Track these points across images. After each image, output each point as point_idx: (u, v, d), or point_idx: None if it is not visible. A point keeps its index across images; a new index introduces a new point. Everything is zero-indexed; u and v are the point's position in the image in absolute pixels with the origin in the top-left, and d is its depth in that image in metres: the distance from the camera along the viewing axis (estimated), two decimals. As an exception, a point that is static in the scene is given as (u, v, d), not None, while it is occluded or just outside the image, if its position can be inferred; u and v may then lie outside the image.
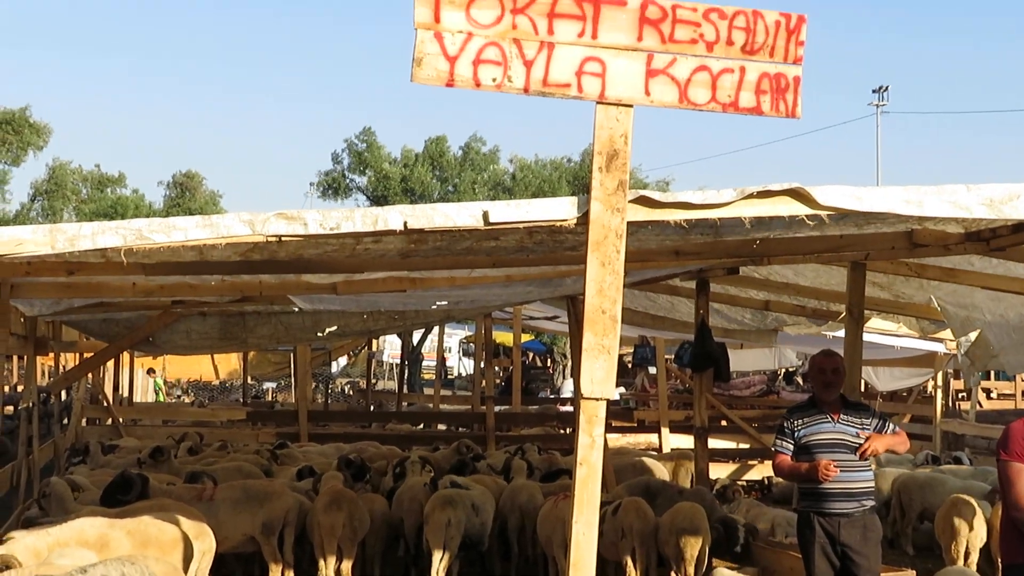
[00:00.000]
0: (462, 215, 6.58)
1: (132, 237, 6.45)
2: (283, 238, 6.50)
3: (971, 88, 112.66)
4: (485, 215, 6.58)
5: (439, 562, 10.78)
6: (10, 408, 16.82)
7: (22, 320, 12.44)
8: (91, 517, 9.40)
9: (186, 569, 9.19)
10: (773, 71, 6.77)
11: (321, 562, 10.82)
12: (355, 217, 6.53)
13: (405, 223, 6.54)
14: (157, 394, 29.05)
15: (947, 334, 15.00)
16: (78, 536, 8.81)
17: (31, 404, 14.01)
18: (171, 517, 9.50)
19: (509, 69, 6.55)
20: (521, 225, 6.68)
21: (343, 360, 39.38)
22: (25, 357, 13.94)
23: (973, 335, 14.27)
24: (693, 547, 10.50)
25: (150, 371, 28.97)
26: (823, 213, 6.73)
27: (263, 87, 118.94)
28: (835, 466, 8.05)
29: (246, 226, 6.46)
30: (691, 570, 10.45)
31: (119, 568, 6.99)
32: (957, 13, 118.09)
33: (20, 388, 18.63)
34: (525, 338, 29.86)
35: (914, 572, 9.34)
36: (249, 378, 33.19)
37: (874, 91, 63.16)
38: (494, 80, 6.55)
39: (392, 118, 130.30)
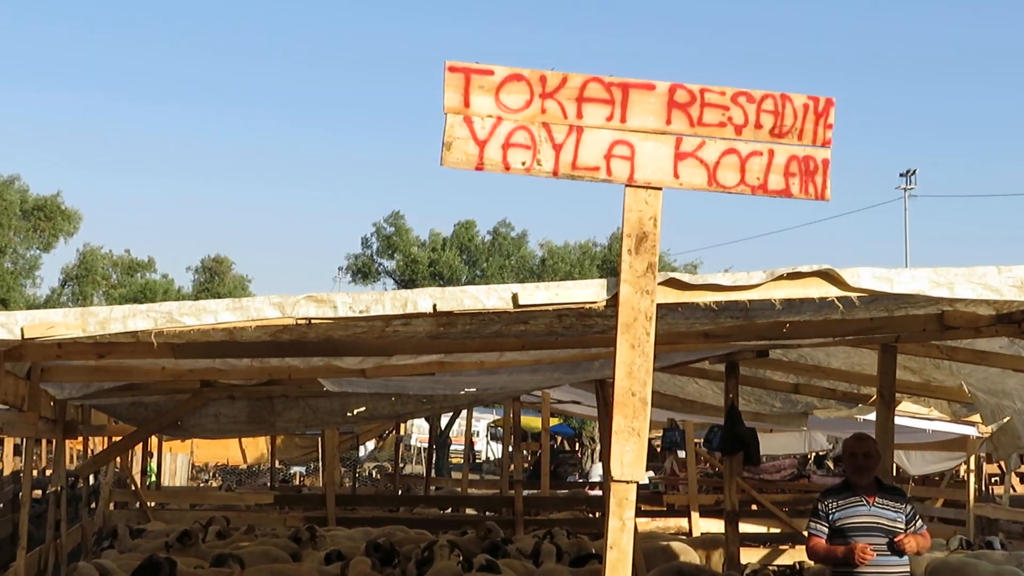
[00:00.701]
0: (491, 298, 6.55)
1: (163, 320, 6.45)
2: (313, 320, 6.49)
3: (1000, 170, 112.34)
4: (514, 298, 6.54)
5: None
6: (38, 492, 16.74)
7: (51, 404, 12.44)
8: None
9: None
10: (802, 154, 6.74)
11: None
12: (384, 300, 6.52)
13: (435, 306, 6.52)
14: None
15: (978, 418, 14.83)
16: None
17: (59, 488, 14.00)
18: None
19: (538, 153, 6.56)
20: (551, 307, 6.65)
21: (371, 444, 39.26)
22: (54, 441, 13.94)
23: (1004, 421, 14.13)
24: (727, 636, 10.39)
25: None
26: (853, 295, 6.68)
27: (292, 172, 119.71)
28: (872, 550, 7.97)
29: (276, 309, 6.45)
30: (726, 661, 10.34)
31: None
32: (983, 94, 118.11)
33: (48, 472, 18.59)
34: (553, 422, 29.77)
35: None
36: (277, 462, 33.12)
37: (901, 175, 63.17)
38: (523, 164, 6.54)
39: (421, 202, 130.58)
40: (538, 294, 6.62)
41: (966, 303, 8.22)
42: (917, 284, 6.79)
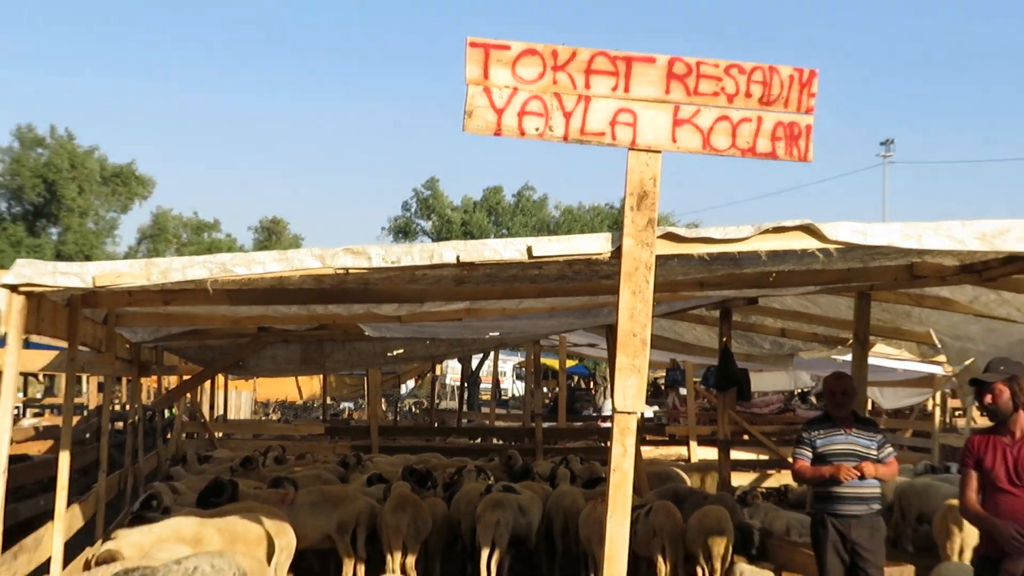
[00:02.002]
0: (508, 250, 6.53)
1: (217, 270, 6.44)
2: (350, 270, 6.48)
3: (974, 138, 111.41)
4: (529, 250, 6.53)
5: (487, 557, 10.72)
6: (119, 424, 16.85)
7: (127, 346, 12.49)
8: (187, 517, 9.41)
9: (269, 563, 9.16)
10: (787, 120, 6.70)
11: (388, 558, 10.77)
12: (413, 252, 6.51)
13: (458, 257, 6.51)
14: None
15: (943, 358, 14.78)
16: (175, 533, 8.82)
17: (136, 420, 14.09)
18: (256, 517, 9.50)
19: (550, 119, 6.52)
20: (563, 258, 6.63)
21: (411, 383, 39.36)
22: (131, 378, 14.02)
23: (967, 362, 14.10)
24: (719, 546, 10.41)
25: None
26: (832, 247, 6.64)
27: (341, 141, 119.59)
28: (850, 469, 8.01)
29: (317, 260, 6.44)
30: (717, 565, 10.36)
31: (209, 561, 6.97)
32: (960, 67, 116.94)
33: (127, 406, 18.69)
34: (570, 363, 29.77)
35: (914, 568, 9.19)
36: (328, 398, 33.27)
37: (881, 143, 62.61)
38: (537, 129, 6.51)
39: (455, 168, 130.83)
40: (550, 246, 6.60)
41: (933, 254, 8.15)
42: (889, 236, 6.74)
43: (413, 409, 38.59)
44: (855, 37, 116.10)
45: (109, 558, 8.09)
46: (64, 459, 8.26)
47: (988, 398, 6.51)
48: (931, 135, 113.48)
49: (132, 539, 8.61)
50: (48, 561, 8.20)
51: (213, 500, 11.25)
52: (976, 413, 24.25)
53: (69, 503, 8.76)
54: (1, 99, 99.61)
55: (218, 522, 9.21)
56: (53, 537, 8.21)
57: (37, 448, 16.05)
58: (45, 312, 7.66)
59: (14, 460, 14.24)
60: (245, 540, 9.04)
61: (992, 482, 6.46)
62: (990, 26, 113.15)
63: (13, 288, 6.39)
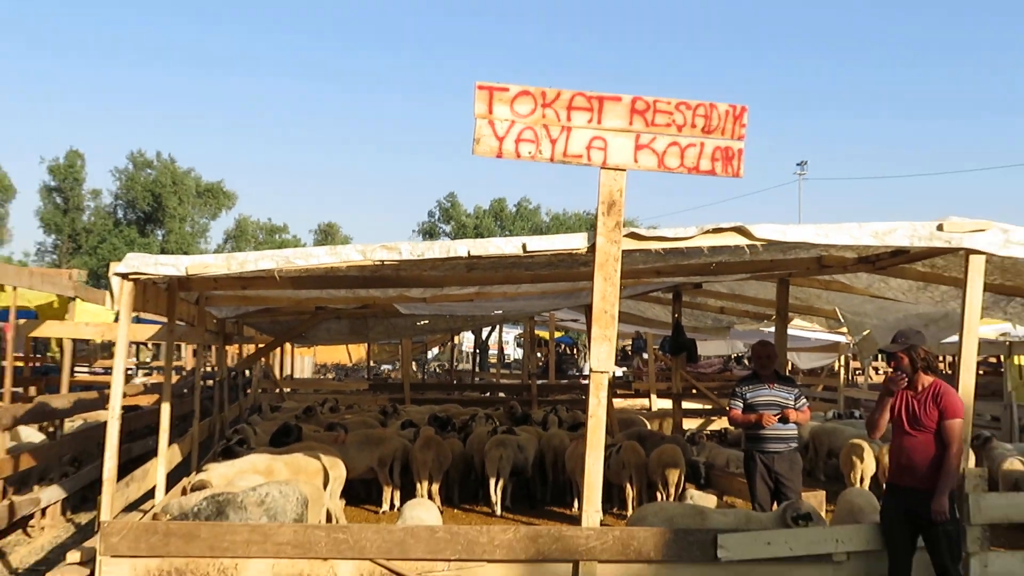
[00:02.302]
0: (508, 246, 6.52)
1: (282, 262, 6.44)
2: (385, 262, 6.46)
3: (872, 159, 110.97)
4: (523, 246, 6.53)
5: (494, 485, 10.72)
6: (210, 382, 16.84)
7: (215, 321, 12.48)
8: (261, 454, 9.41)
9: (325, 490, 9.16)
10: (724, 145, 6.69)
11: (418, 485, 10.76)
12: (434, 247, 6.51)
13: (469, 251, 6.50)
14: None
15: (846, 330, 14.78)
16: (252, 466, 8.81)
17: (222, 378, 14.07)
18: (315, 454, 9.50)
19: (540, 145, 6.52)
20: (548, 252, 6.62)
21: (435, 350, 39.38)
22: (217, 347, 14.01)
23: (864, 334, 14.11)
24: (673, 475, 10.41)
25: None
26: (758, 243, 6.63)
27: (382, 162, 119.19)
28: (772, 416, 8.03)
29: (359, 254, 6.43)
30: (672, 491, 10.37)
31: (278, 488, 6.96)
32: (861, 102, 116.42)
33: (215, 368, 18.68)
34: (558, 334, 29.69)
35: (824, 492, 9.17)
36: (371, 362, 33.30)
37: (797, 164, 62.26)
38: (530, 152, 6.51)
39: (469, 184, 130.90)
40: (541, 243, 6.59)
41: (837, 248, 8.14)
42: (803, 234, 6.74)
43: (437, 370, 38.67)
44: (779, 78, 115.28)
45: (200, 486, 8.08)
46: (165, 409, 8.27)
47: (894, 364, 6.51)
48: (836, 158, 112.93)
49: (219, 471, 8.61)
50: (153, 489, 8.21)
51: (283, 440, 11.26)
52: (872, 372, 24.34)
53: (169, 443, 8.76)
54: (118, 130, 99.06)
55: (285, 458, 9.21)
56: (157, 470, 8.22)
57: (146, 400, 16.00)
58: (150, 295, 7.66)
59: (127, 410, 14.29)
60: (306, 472, 9.03)
61: (899, 425, 6.43)
62: (887, 68, 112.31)
63: (124, 276, 6.39)
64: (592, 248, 6.58)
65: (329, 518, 9.15)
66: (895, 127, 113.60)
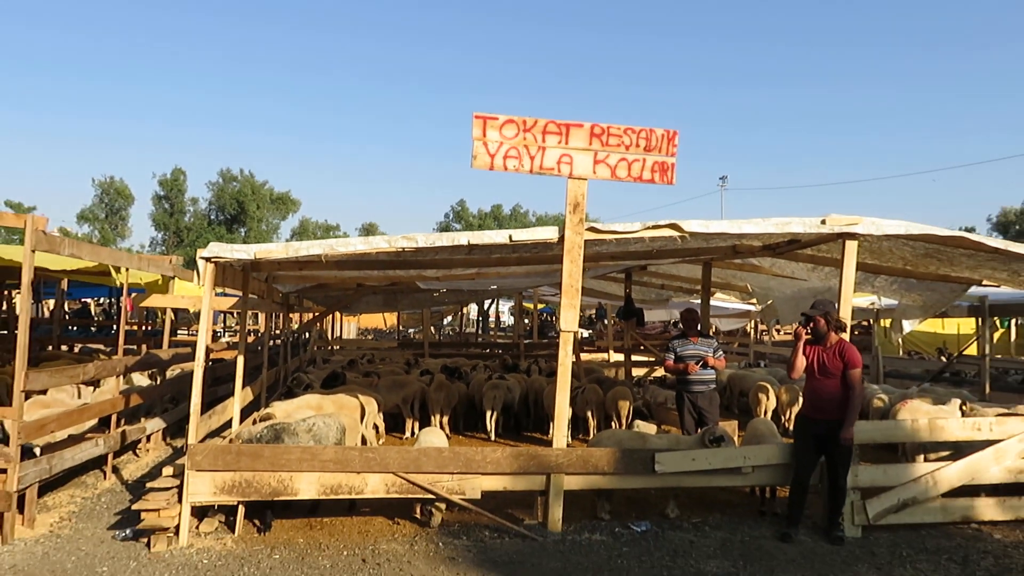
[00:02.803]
0: (498, 237, 6.42)
1: (327, 248, 6.34)
2: (405, 249, 6.36)
3: (781, 173, 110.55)
4: (510, 237, 6.43)
5: (490, 417, 10.66)
6: (277, 341, 16.72)
7: (280, 295, 12.35)
8: (313, 394, 9.31)
9: (362, 421, 9.07)
10: (661, 160, 6.59)
11: (433, 418, 10.70)
12: (443, 238, 6.39)
13: (468, 241, 6.40)
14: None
15: (755, 301, 14.71)
16: (306, 403, 8.69)
17: (285, 339, 13.98)
18: (354, 394, 9.39)
19: (522, 160, 6.40)
20: (529, 242, 6.52)
21: (449, 318, 39.13)
22: (282, 315, 13.92)
23: (768, 303, 14.03)
24: (624, 409, 10.33)
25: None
26: (687, 235, 6.54)
27: (410, 177, 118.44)
28: (695, 365, 7.96)
29: (386, 243, 6.32)
30: (624, 421, 10.29)
31: (323, 419, 6.85)
32: (771, 125, 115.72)
33: (281, 331, 18.55)
34: (541, 305, 29.55)
35: (736, 422, 9.09)
36: (400, 326, 33.16)
37: (720, 177, 62.02)
38: (514, 166, 6.39)
39: (476, 193, 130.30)
40: (523, 234, 6.49)
41: (748, 238, 8.05)
42: (722, 227, 6.64)
43: (450, 332, 38.47)
44: (704, 105, 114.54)
45: (267, 417, 7.99)
46: (240, 360, 8.16)
47: (811, 325, 6.43)
48: (751, 172, 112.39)
49: (281, 407, 8.49)
50: (230, 420, 8.13)
51: (331, 383, 11.17)
52: (775, 332, 24.33)
53: (243, 387, 8.67)
54: (210, 152, 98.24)
55: (331, 396, 9.11)
56: (234, 405, 8.13)
57: (229, 355, 15.86)
58: (228, 275, 7.55)
59: (214, 362, 14.23)
60: (348, 407, 8.92)
61: (812, 373, 6.38)
62: (797, 91, 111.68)
63: (207, 259, 6.29)
64: (561, 239, 6.50)
65: (364, 442, 9.10)
66: (799, 144, 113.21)
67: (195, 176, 71.24)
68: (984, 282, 8.87)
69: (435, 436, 7.34)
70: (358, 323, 40.72)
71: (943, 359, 18.26)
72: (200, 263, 6.30)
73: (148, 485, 6.19)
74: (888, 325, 17.26)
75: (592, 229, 6.47)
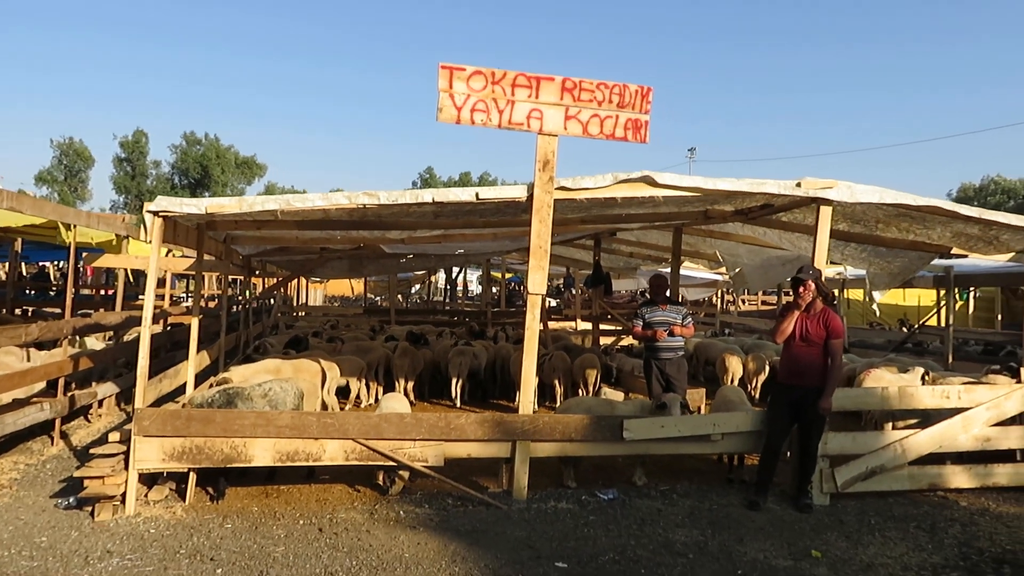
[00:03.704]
0: (464, 195, 6.10)
1: (283, 204, 5.97)
2: (367, 205, 6.00)
3: (747, 146, 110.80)
4: (476, 194, 6.12)
5: (456, 384, 10.41)
6: (239, 307, 16.26)
7: (240, 258, 11.91)
8: (272, 359, 8.97)
9: (324, 387, 8.77)
10: (634, 117, 6.30)
11: (397, 384, 10.44)
12: (406, 195, 6.04)
13: (433, 198, 6.06)
14: None
15: (724, 269, 14.58)
16: (264, 367, 8.38)
17: (247, 303, 13.55)
18: (315, 359, 9.08)
19: (490, 114, 6.09)
20: (496, 200, 6.21)
21: (417, 286, 38.67)
22: (244, 278, 13.46)
23: (736, 271, 13.92)
24: (591, 376, 10.19)
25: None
26: (659, 192, 6.28)
27: (381, 141, 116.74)
28: (664, 332, 7.74)
29: (346, 199, 5.97)
30: (591, 389, 10.14)
31: (279, 384, 6.53)
32: (737, 100, 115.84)
33: (241, 295, 18.07)
34: (509, 275, 29.32)
35: (704, 389, 8.95)
36: (368, 294, 32.71)
37: (688, 149, 61.92)
38: (481, 120, 6.07)
39: (444, 160, 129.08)
40: (490, 192, 6.19)
41: (720, 202, 7.83)
42: (695, 182, 6.40)
43: (417, 300, 38.09)
44: (673, 81, 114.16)
45: (224, 381, 7.65)
46: (194, 323, 7.79)
47: (802, 288, 6.20)
48: (719, 145, 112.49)
49: (239, 371, 8.16)
50: (184, 384, 7.76)
51: (293, 348, 10.85)
52: (740, 303, 24.36)
53: (200, 350, 8.29)
54: (173, 114, 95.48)
55: (292, 361, 8.79)
56: (188, 369, 7.76)
57: (189, 319, 15.42)
58: (181, 232, 7.14)
59: (175, 326, 13.76)
60: (308, 371, 8.62)
61: (792, 339, 6.19)
62: (763, 69, 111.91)
63: (155, 213, 5.90)
64: (530, 197, 6.19)
65: (325, 408, 8.80)
66: (764, 118, 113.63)
67: (158, 138, 69.15)
68: (954, 250, 8.77)
69: (397, 402, 7.06)
70: (325, 290, 40.12)
71: (904, 330, 18.40)
72: (147, 217, 5.90)
73: (92, 451, 5.83)
74: (862, 296, 17.30)
75: (562, 188, 6.17)
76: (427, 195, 6.06)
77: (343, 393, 10.40)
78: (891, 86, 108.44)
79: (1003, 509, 6.22)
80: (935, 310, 15.22)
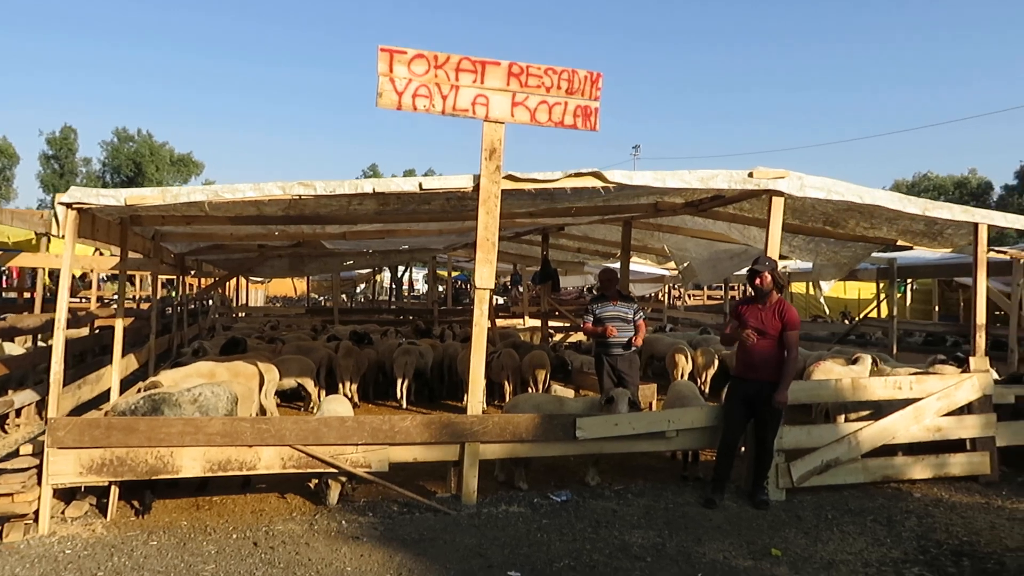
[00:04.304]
0: (407, 185, 5.78)
1: (211, 195, 5.55)
2: (302, 196, 5.64)
3: (688, 144, 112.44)
4: (420, 184, 5.80)
5: (400, 384, 10.06)
6: (170, 309, 15.58)
7: (172, 256, 11.32)
8: (206, 361, 8.47)
9: (261, 391, 8.32)
10: (583, 104, 6.06)
11: (340, 386, 10.03)
12: (344, 185, 5.68)
13: (374, 188, 5.73)
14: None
15: (672, 264, 14.52)
16: (197, 371, 7.90)
17: (180, 303, 12.94)
18: (253, 361, 8.62)
19: (433, 100, 5.77)
20: (441, 190, 5.90)
21: (363, 285, 37.94)
22: (175, 278, 12.82)
23: (685, 265, 13.87)
24: (541, 374, 9.98)
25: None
26: (611, 185, 6.06)
27: (320, 136, 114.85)
28: (614, 328, 7.54)
29: (280, 189, 5.58)
30: (540, 387, 9.92)
31: (211, 388, 6.11)
32: (678, 100, 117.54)
33: (181, 296, 17.33)
34: (455, 273, 28.97)
35: (655, 385, 8.80)
36: (312, 294, 31.96)
37: (633, 147, 62.37)
38: (424, 106, 5.75)
39: (388, 158, 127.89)
40: (434, 182, 5.86)
41: (671, 194, 7.68)
42: (645, 179, 6.19)
43: (362, 300, 37.39)
44: (620, 81, 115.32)
45: (153, 386, 7.18)
46: (118, 325, 7.30)
47: (758, 280, 6.02)
48: (663, 144, 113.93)
49: (169, 375, 7.67)
50: (108, 390, 7.25)
51: (231, 350, 10.35)
52: (687, 298, 24.48)
53: (127, 354, 7.77)
54: (104, 110, 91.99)
55: (226, 364, 8.31)
56: (112, 374, 7.26)
57: (123, 322, 14.65)
58: (101, 226, 6.66)
59: (104, 329, 13.06)
60: (244, 375, 8.16)
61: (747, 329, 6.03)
62: (707, 70, 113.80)
63: (68, 205, 5.41)
64: (477, 188, 5.90)
65: (264, 413, 8.37)
66: (707, 115, 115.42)
67: (88, 135, 66.73)
68: (899, 242, 8.80)
69: (339, 404, 6.70)
70: (266, 290, 39.03)
71: (846, 322, 18.69)
72: (59, 210, 5.41)
73: (1, 467, 5.33)
74: (804, 289, 17.44)
75: (510, 177, 5.90)
76: (367, 185, 5.73)
77: (296, 396, 9.97)
78: (830, 84, 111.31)
79: (956, 499, 6.20)
80: (875, 302, 15.45)
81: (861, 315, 15.89)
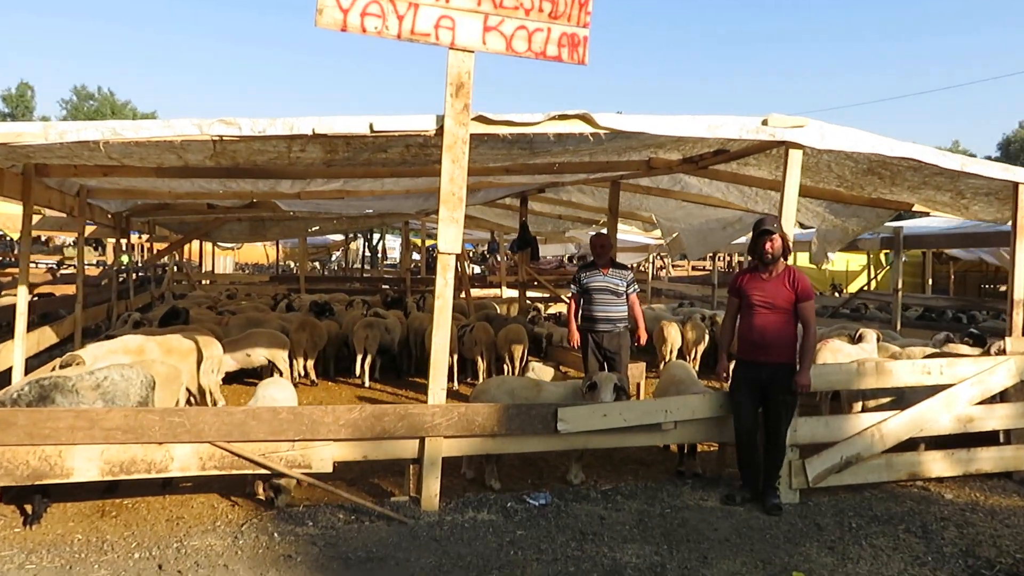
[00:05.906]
0: (354, 125, 4.70)
1: (108, 133, 4.47)
2: (224, 137, 4.57)
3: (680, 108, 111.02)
4: (371, 125, 4.72)
5: (361, 360, 9.13)
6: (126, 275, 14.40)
7: (109, 216, 10.17)
8: (135, 335, 7.42)
9: (199, 370, 7.31)
10: (570, 31, 5.01)
11: (295, 363, 9.09)
12: (277, 124, 4.61)
13: (313, 129, 4.66)
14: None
15: (658, 232, 13.61)
16: (123, 346, 6.86)
17: (117, 269, 11.83)
18: (191, 335, 7.60)
19: (387, 20, 4.68)
20: (397, 133, 4.86)
21: (336, 254, 36.66)
22: (114, 240, 11.70)
23: (673, 236, 13.01)
24: (517, 350, 9.10)
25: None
26: (601, 131, 5.07)
27: (275, 101, 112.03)
28: (577, 338, 6.93)
29: (195, 128, 4.50)
30: (517, 364, 9.03)
31: (120, 372, 5.08)
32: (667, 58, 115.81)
33: (136, 262, 16.21)
34: (430, 241, 27.89)
35: (644, 363, 7.90)
36: (283, 261, 30.78)
37: (616, 111, 60.83)
38: (375, 28, 4.67)
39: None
40: (389, 122, 4.77)
41: (668, 148, 6.71)
42: (642, 124, 5.17)
43: (336, 268, 36.20)
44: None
45: (71, 362, 6.17)
46: (21, 292, 6.25)
47: (768, 243, 5.09)
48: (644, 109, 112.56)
49: (90, 350, 6.63)
50: (10, 370, 6.22)
51: (170, 322, 9.32)
52: (673, 269, 23.69)
53: (36, 327, 6.71)
54: (62, 67, 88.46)
55: (158, 338, 7.27)
56: (15, 351, 6.22)
57: (61, 289, 13.47)
58: (5, 179, 5.57)
59: (42, 296, 11.95)
60: (178, 351, 7.14)
61: (751, 304, 5.16)
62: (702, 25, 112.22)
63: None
64: (440, 131, 4.87)
65: (203, 394, 7.38)
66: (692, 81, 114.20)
67: (45, 93, 63.85)
68: (915, 207, 7.93)
69: (277, 389, 5.71)
70: (236, 257, 37.61)
71: (837, 295, 17.97)
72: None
73: None
74: (796, 260, 16.62)
75: (481, 119, 4.88)
76: (305, 124, 4.65)
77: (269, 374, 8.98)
78: (809, 53, 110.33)
79: (994, 501, 5.38)
80: (871, 274, 14.67)
81: (858, 288, 15.14)
